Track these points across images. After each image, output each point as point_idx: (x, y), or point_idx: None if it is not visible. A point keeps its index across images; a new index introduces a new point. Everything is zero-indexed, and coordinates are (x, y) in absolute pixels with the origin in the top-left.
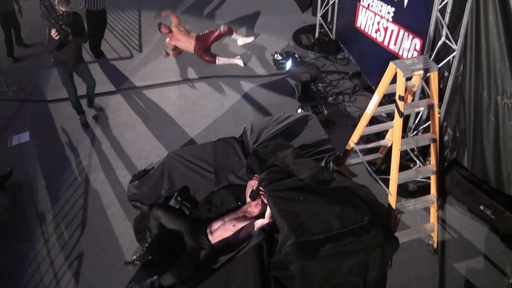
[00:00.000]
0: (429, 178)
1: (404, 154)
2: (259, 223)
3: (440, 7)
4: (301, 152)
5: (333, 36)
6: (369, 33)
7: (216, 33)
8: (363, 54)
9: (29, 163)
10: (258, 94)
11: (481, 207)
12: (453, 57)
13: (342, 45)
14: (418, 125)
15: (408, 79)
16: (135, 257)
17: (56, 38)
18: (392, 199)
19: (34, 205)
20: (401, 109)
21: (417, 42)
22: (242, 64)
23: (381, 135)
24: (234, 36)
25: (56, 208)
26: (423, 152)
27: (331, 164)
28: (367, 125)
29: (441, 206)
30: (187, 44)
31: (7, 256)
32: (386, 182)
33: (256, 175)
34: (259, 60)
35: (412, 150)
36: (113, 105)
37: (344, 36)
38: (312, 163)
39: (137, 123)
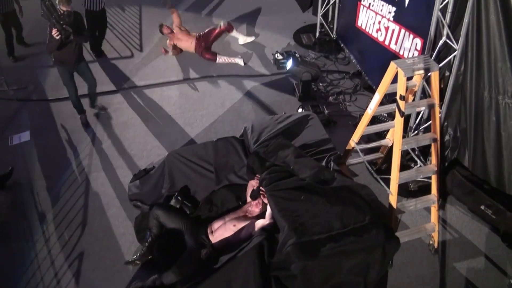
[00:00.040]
0: (430, 178)
1: (405, 154)
2: (259, 223)
3: (441, 6)
4: (302, 151)
5: (333, 36)
6: (370, 32)
7: (216, 31)
8: (363, 53)
9: (29, 162)
10: (259, 94)
11: (482, 207)
12: (454, 56)
13: (342, 45)
14: (419, 124)
15: (409, 78)
16: (135, 256)
17: (57, 37)
18: (393, 199)
19: (34, 205)
20: (402, 108)
21: (418, 41)
22: (242, 64)
23: (382, 134)
24: (234, 34)
25: (57, 207)
26: (424, 151)
27: (332, 163)
28: (368, 125)
29: (441, 206)
30: (188, 43)
31: (7, 256)
32: (387, 181)
33: (257, 175)
34: (260, 60)
35: (413, 149)
36: (113, 104)
37: (344, 35)
38: (313, 162)
39: (137, 123)
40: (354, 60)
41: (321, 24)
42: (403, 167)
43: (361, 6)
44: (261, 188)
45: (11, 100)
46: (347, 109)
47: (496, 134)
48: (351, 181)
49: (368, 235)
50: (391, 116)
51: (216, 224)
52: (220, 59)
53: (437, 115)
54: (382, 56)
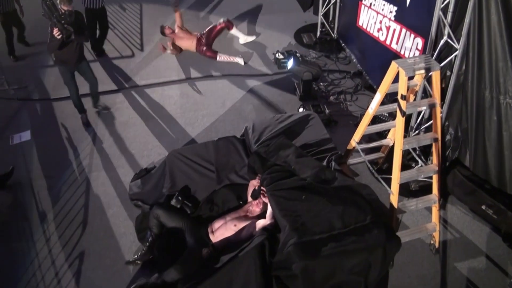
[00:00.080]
0: (431, 177)
1: (406, 154)
2: (260, 223)
3: (442, 6)
4: (303, 151)
5: (334, 35)
6: (371, 32)
7: (217, 28)
8: (364, 53)
9: (30, 162)
10: (260, 93)
11: (483, 207)
12: (455, 56)
13: (343, 44)
14: (420, 124)
15: (410, 78)
16: (136, 256)
17: (59, 37)
18: (394, 199)
19: (35, 204)
20: (403, 108)
21: (419, 41)
22: (242, 63)
23: (383, 134)
24: (235, 32)
25: (57, 207)
26: (425, 151)
27: (333, 163)
28: (369, 125)
29: (442, 206)
30: (190, 42)
31: (8, 256)
32: (388, 181)
33: (258, 175)
34: (260, 59)
35: (414, 149)
36: (114, 104)
37: (345, 35)
38: (314, 162)
39: (138, 122)
40: (355, 60)
41: (322, 24)
42: (404, 166)
43: (362, 6)
44: (262, 187)
45: (11, 100)
46: (348, 108)
47: (497, 134)
48: (352, 180)
49: (369, 235)
50: (392, 116)
51: (216, 224)
52: (221, 57)
53: (438, 115)
54: (383, 55)
